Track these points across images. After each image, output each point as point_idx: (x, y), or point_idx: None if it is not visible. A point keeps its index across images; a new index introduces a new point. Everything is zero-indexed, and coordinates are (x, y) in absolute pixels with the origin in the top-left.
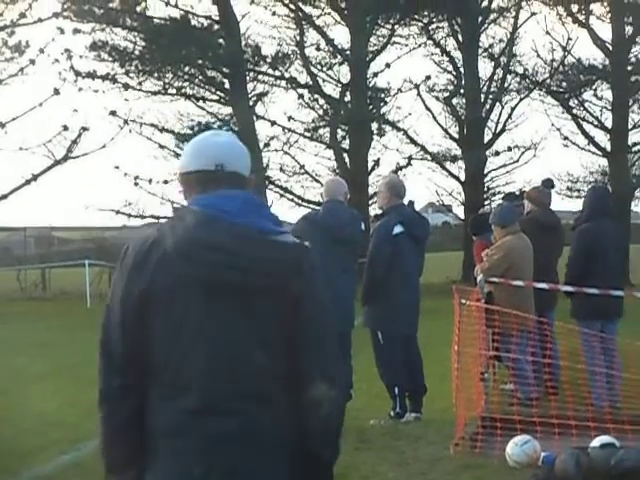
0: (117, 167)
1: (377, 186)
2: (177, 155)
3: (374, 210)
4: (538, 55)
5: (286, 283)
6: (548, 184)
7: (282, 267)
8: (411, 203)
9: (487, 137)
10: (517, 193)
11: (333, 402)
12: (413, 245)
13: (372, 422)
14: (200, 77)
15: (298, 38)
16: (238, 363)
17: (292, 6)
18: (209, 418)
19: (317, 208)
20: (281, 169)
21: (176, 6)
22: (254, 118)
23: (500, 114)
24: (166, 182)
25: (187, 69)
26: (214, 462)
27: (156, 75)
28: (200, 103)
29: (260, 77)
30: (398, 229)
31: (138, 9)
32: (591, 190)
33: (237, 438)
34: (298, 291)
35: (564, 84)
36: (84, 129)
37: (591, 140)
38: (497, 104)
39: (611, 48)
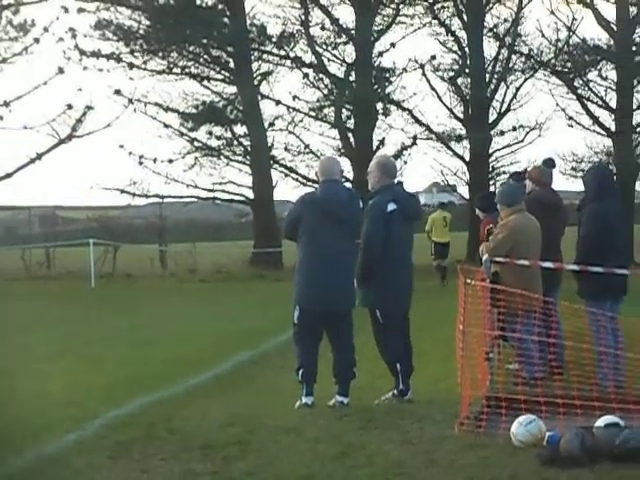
0: (122, 146)
1: (369, 166)
2: (182, 134)
3: None
4: (543, 35)
5: None
6: (549, 163)
7: None
8: (400, 183)
9: (492, 117)
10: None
11: None
12: (406, 223)
13: (376, 402)
14: (205, 56)
15: (303, 17)
16: None
17: None
18: None
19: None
20: (286, 148)
21: None
22: (259, 97)
23: (505, 94)
24: (170, 161)
25: (192, 48)
26: None
27: (161, 54)
28: (205, 82)
29: (265, 56)
30: (392, 206)
31: None
32: (594, 169)
33: None
34: None
35: (569, 64)
36: (89, 108)
37: (596, 120)
38: (502, 84)
39: (615, 28)
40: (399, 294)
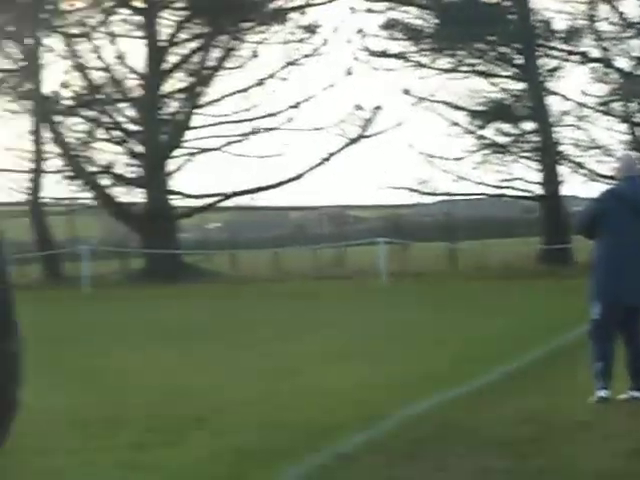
0: (411, 146)
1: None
2: (470, 132)
3: None
4: None
5: None
6: None
7: None
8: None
9: None
10: None
11: None
12: None
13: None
14: (491, 53)
15: (589, 12)
16: None
17: None
18: None
19: (612, 183)
20: (576, 144)
21: None
22: (546, 93)
23: None
24: (459, 159)
25: (478, 46)
26: None
27: (448, 53)
28: (492, 79)
29: (551, 52)
30: None
31: None
32: None
33: None
34: None
35: None
36: (377, 108)
37: None
38: None
39: None
40: None
